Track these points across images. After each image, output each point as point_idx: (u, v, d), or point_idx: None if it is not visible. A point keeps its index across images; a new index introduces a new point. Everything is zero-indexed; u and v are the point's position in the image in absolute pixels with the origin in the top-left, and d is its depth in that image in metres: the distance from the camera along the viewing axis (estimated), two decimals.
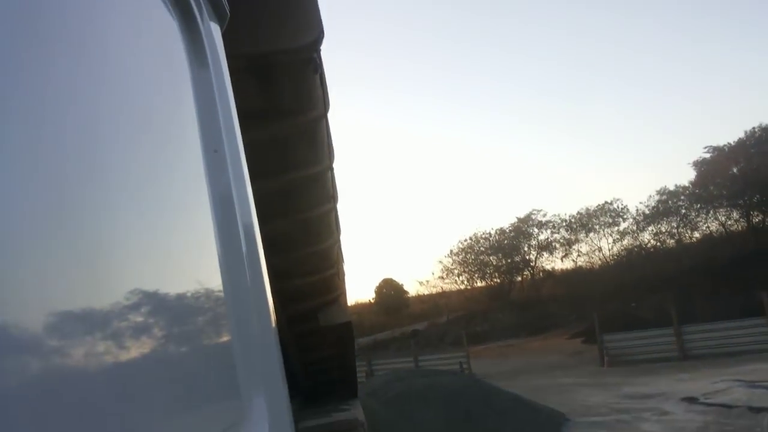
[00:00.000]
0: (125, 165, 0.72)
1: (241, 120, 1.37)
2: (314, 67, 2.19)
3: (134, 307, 0.64)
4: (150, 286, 0.71)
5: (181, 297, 0.83)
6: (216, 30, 1.27)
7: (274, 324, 1.33)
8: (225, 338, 1.01)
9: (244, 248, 1.17)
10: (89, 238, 0.58)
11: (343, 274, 4.68)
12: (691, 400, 12.32)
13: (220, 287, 1.01)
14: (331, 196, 3.15)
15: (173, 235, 0.87)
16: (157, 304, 0.72)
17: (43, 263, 0.49)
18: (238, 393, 1.01)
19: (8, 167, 0.47)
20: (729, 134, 58.82)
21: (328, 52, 2.48)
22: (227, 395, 0.99)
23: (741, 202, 34.60)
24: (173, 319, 0.78)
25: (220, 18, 1.32)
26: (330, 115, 2.55)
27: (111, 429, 0.55)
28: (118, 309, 0.60)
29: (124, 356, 0.60)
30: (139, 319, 0.65)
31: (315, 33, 2.13)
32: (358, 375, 8.87)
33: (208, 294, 0.97)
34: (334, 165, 2.89)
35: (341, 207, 3.59)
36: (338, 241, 3.83)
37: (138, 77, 0.86)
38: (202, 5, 1.18)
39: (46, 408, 0.45)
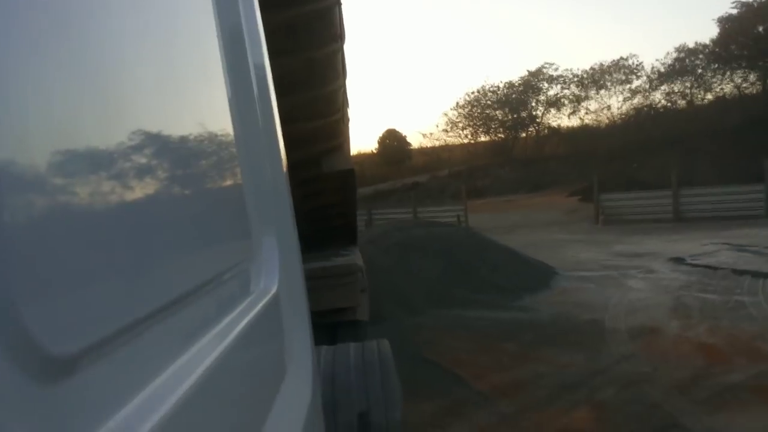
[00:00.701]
0: None
1: None
2: None
3: (140, 147, 0.62)
4: (157, 125, 0.67)
5: (189, 136, 0.80)
6: None
7: (285, 168, 1.35)
8: (236, 180, 0.99)
9: (255, 88, 1.14)
10: (90, 71, 0.53)
11: (348, 121, 4.56)
12: (678, 260, 12.76)
13: (231, 127, 0.98)
14: (338, 35, 2.94)
15: (180, 69, 0.81)
16: (164, 143, 0.69)
17: (45, 95, 0.45)
18: (249, 233, 1.01)
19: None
20: None
21: None
22: (238, 235, 0.98)
23: (760, 63, 33.37)
24: (181, 159, 0.75)
25: None
26: None
27: (117, 267, 0.54)
28: (124, 148, 0.58)
29: (131, 196, 0.58)
30: (146, 159, 0.63)
31: None
32: (358, 224, 9.07)
33: (218, 134, 0.93)
34: (342, 0, 2.68)
35: (347, 49, 3.39)
36: (344, 85, 3.67)
37: None
38: None
39: (50, 247, 0.43)
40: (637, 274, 11.56)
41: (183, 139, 0.77)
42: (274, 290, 1.04)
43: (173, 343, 0.67)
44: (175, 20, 0.82)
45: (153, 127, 0.66)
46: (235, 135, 0.99)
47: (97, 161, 0.52)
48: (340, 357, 3.18)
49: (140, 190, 0.60)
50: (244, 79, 1.10)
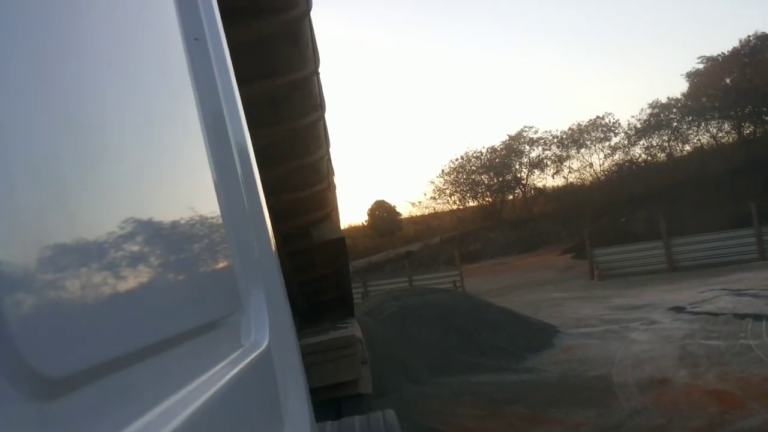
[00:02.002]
0: (101, 67, 0.66)
1: (222, 18, 1.28)
2: None
3: (129, 237, 0.63)
4: (144, 214, 0.69)
5: (176, 224, 0.81)
6: None
7: (274, 248, 1.35)
8: (224, 264, 1.00)
9: (239, 169, 1.15)
10: (81, 163, 0.56)
11: (335, 188, 4.59)
12: (679, 309, 12.65)
13: (218, 212, 0.99)
14: (318, 105, 2.99)
15: (163, 153, 0.83)
16: (152, 232, 0.70)
17: (31, 194, 0.47)
18: (237, 290, 1.02)
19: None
20: (724, 44, 57.56)
21: None
22: (227, 291, 0.99)
23: (733, 113, 34.38)
24: (170, 247, 0.76)
25: None
26: (313, 16, 2.40)
27: (114, 302, 0.56)
28: (113, 239, 0.59)
29: (122, 287, 0.59)
30: (135, 248, 0.64)
31: None
32: (355, 296, 8.97)
33: (204, 219, 0.95)
34: (320, 70, 2.74)
35: (329, 121, 3.45)
36: (328, 153, 3.70)
37: None
38: None
39: (44, 340, 0.44)
40: (638, 326, 11.41)
41: (168, 230, 0.78)
42: (265, 344, 1.05)
43: (164, 382, 0.67)
44: (156, 107, 0.84)
45: (137, 219, 0.67)
46: (220, 204, 1.01)
47: (98, 231, 0.56)
48: None
49: (124, 284, 0.62)
50: (226, 156, 1.13)
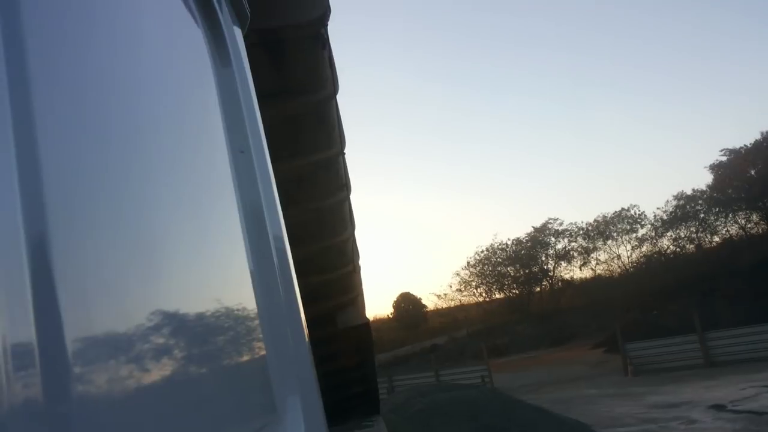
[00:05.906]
0: (154, 169, 0.73)
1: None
2: (322, 42, 2.13)
3: (162, 324, 0.64)
4: (182, 301, 0.71)
5: (212, 312, 0.83)
6: (238, 33, 1.33)
7: (307, 338, 1.36)
8: (260, 353, 1.01)
9: (275, 260, 1.18)
10: (116, 251, 0.58)
11: (359, 271, 4.57)
12: (719, 407, 12.02)
13: (254, 301, 1.02)
14: (343, 185, 3.05)
15: (203, 245, 0.88)
16: (187, 319, 0.72)
17: (69, 279, 0.47)
18: (272, 400, 1.01)
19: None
20: (745, 136, 58.04)
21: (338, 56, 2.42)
22: (262, 400, 0.99)
23: (760, 204, 34.09)
24: (205, 334, 0.78)
25: (241, 21, 1.40)
26: (339, 98, 2.49)
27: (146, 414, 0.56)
28: (149, 325, 0.60)
29: (157, 374, 0.59)
30: (166, 336, 0.65)
31: (322, 8, 2.09)
32: (380, 391, 8.68)
33: (241, 308, 0.98)
34: (345, 151, 2.81)
35: (354, 205, 3.50)
36: (353, 235, 3.72)
37: (166, 83, 0.91)
38: (225, 10, 1.26)
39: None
40: (678, 425, 10.82)
41: (204, 318, 0.80)
42: None
43: None
44: (198, 200, 0.89)
45: (180, 305, 0.69)
46: (258, 309, 1.03)
47: (131, 338, 0.57)
48: None
49: (160, 371, 0.63)
50: (264, 251, 1.15)
